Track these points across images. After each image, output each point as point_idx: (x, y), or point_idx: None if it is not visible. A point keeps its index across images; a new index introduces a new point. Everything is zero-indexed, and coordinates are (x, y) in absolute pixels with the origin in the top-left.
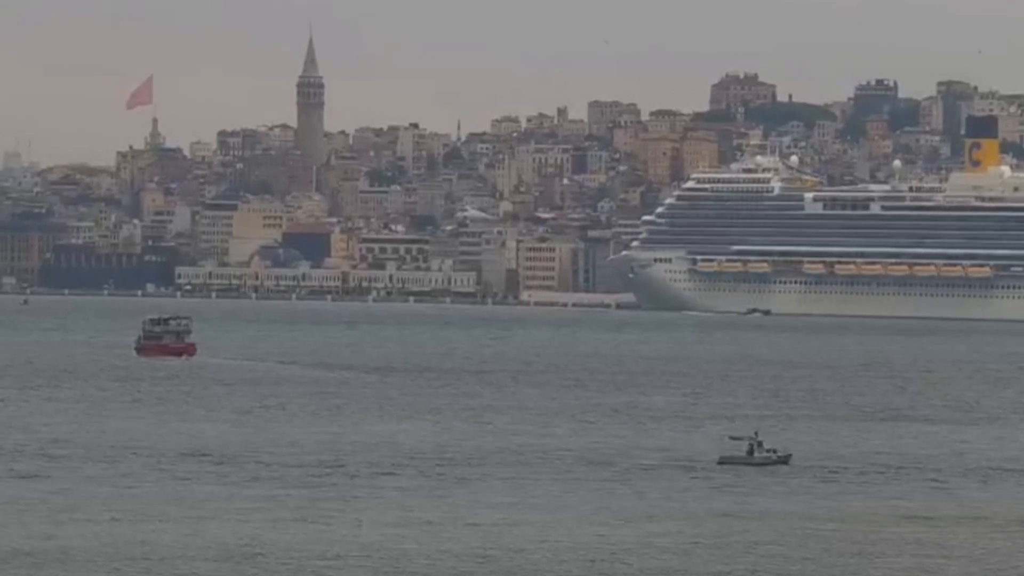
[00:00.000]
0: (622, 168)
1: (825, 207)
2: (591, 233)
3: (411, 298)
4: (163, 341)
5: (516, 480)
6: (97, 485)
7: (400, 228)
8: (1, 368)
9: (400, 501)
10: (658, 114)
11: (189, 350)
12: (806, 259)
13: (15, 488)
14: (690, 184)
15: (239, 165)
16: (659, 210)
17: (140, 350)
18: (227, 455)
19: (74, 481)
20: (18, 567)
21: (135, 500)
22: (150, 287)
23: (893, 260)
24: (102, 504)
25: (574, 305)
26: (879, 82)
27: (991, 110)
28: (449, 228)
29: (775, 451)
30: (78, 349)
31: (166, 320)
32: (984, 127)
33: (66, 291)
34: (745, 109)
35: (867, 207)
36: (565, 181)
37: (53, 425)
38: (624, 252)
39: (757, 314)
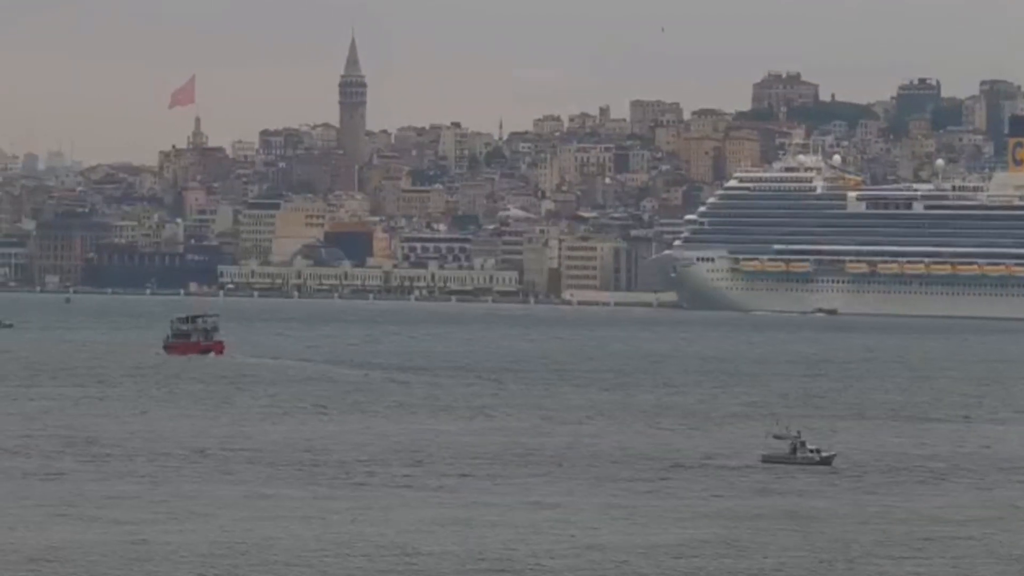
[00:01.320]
0: (664, 167)
1: (868, 206)
2: (633, 232)
3: (453, 297)
4: (192, 339)
5: (554, 479)
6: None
7: (442, 227)
8: (32, 366)
9: (433, 500)
10: (700, 113)
11: (217, 348)
12: (849, 258)
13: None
14: (732, 183)
15: (281, 164)
16: (701, 209)
17: (169, 348)
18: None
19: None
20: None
21: (172, 498)
22: (192, 286)
23: (936, 259)
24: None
25: (616, 304)
26: (922, 81)
27: None
28: (491, 227)
29: (818, 450)
30: (107, 348)
31: (194, 318)
32: None
33: (109, 290)
34: (788, 108)
35: (910, 206)
36: (607, 180)
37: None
38: (666, 251)
39: (822, 314)
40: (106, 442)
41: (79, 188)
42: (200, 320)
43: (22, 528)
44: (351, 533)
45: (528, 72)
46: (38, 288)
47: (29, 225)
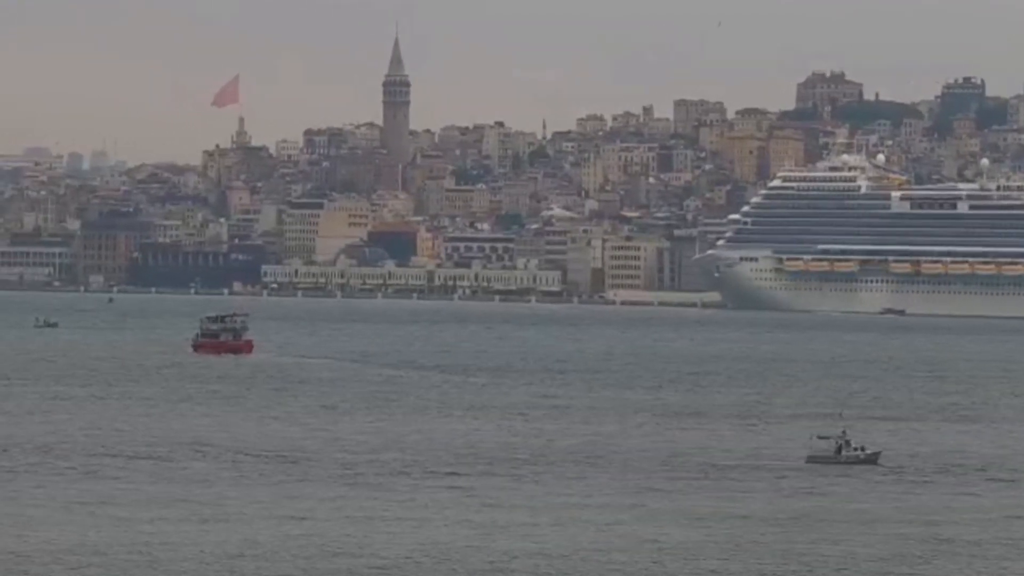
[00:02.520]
0: (708, 167)
1: (912, 206)
2: (677, 232)
3: (496, 297)
4: (220, 338)
5: (597, 478)
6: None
7: (485, 227)
8: (58, 365)
9: (471, 499)
10: (744, 113)
11: (246, 347)
12: (893, 258)
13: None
14: (776, 183)
15: (325, 164)
16: (745, 209)
17: (197, 347)
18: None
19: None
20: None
21: (225, 500)
22: (236, 285)
23: (980, 259)
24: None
25: (659, 304)
26: (966, 80)
27: None
28: (535, 227)
29: (863, 449)
30: (138, 347)
31: (223, 318)
32: None
33: (153, 290)
34: (832, 107)
35: (954, 206)
36: (651, 180)
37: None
38: (710, 251)
39: (892, 315)
40: (131, 442)
41: (123, 188)
42: (229, 320)
43: (50, 529)
44: (386, 533)
45: (572, 71)
46: (82, 288)
47: (74, 225)
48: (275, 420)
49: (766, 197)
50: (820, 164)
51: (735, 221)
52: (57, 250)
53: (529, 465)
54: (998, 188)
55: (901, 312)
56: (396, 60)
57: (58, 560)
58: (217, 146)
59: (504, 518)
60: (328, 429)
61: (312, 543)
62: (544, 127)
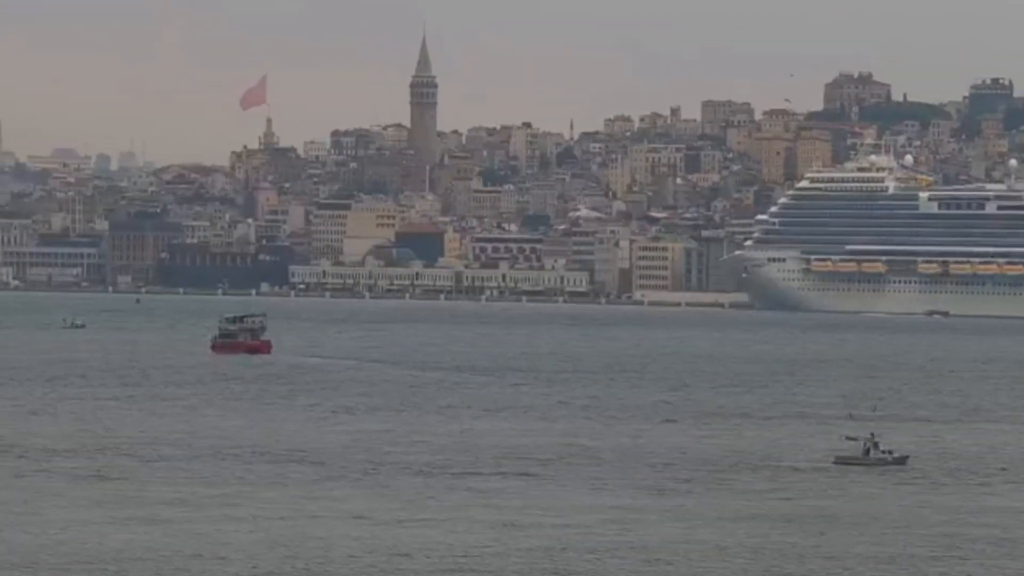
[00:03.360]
0: (735, 167)
1: (940, 207)
2: (704, 233)
3: (524, 297)
4: (238, 339)
5: (623, 478)
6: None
7: (513, 227)
8: (80, 365)
9: (489, 501)
10: (771, 113)
11: (264, 348)
12: (921, 259)
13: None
14: (804, 183)
15: (353, 164)
16: (772, 209)
17: (215, 347)
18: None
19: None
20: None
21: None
22: (264, 286)
23: (1008, 260)
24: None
25: (687, 305)
26: (994, 81)
27: None
28: (562, 227)
29: (891, 452)
30: (156, 347)
31: (241, 318)
32: None
33: (181, 290)
34: (859, 108)
35: (982, 207)
36: (678, 180)
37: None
38: (737, 252)
39: (937, 316)
40: (147, 442)
41: (151, 188)
42: (247, 320)
43: (76, 529)
44: (407, 536)
45: (599, 72)
46: (110, 288)
47: (102, 225)
48: (291, 420)
49: (793, 198)
50: (848, 165)
51: (763, 222)
52: (85, 251)
53: (555, 465)
54: None
55: (945, 314)
56: (423, 61)
57: (78, 563)
58: (245, 147)
59: (528, 519)
60: (343, 429)
61: (331, 544)
62: (571, 128)
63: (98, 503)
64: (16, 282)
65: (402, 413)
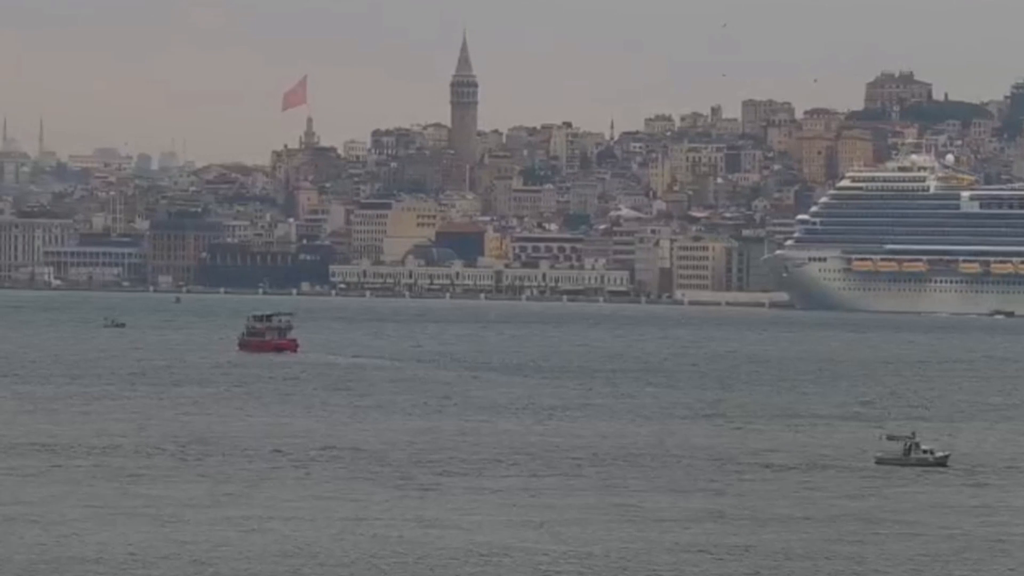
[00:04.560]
0: (776, 167)
1: (982, 206)
2: (745, 232)
3: (564, 297)
4: (265, 337)
5: (658, 479)
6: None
7: (553, 227)
8: (106, 363)
9: (515, 500)
10: (813, 113)
11: (290, 346)
12: (962, 258)
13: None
14: (845, 183)
15: (393, 164)
16: (813, 209)
17: (243, 346)
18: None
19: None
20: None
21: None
22: (304, 286)
23: None
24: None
25: (727, 304)
26: None
27: None
28: (602, 227)
29: (932, 451)
30: (185, 346)
31: (269, 316)
32: None
33: (221, 290)
34: (900, 108)
35: None
36: (719, 180)
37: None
38: (778, 251)
39: (1000, 316)
40: (171, 440)
41: (192, 188)
42: (275, 318)
43: (98, 529)
44: (433, 534)
45: (640, 71)
46: (151, 288)
47: (142, 225)
48: (319, 418)
49: (834, 197)
50: (889, 164)
51: (803, 221)
52: (126, 250)
53: (589, 465)
54: None
55: (1010, 314)
56: (464, 61)
57: (102, 564)
58: (285, 146)
59: (560, 518)
60: (372, 428)
61: (364, 544)
62: (612, 127)
63: (122, 502)
64: (57, 281)
65: (438, 412)
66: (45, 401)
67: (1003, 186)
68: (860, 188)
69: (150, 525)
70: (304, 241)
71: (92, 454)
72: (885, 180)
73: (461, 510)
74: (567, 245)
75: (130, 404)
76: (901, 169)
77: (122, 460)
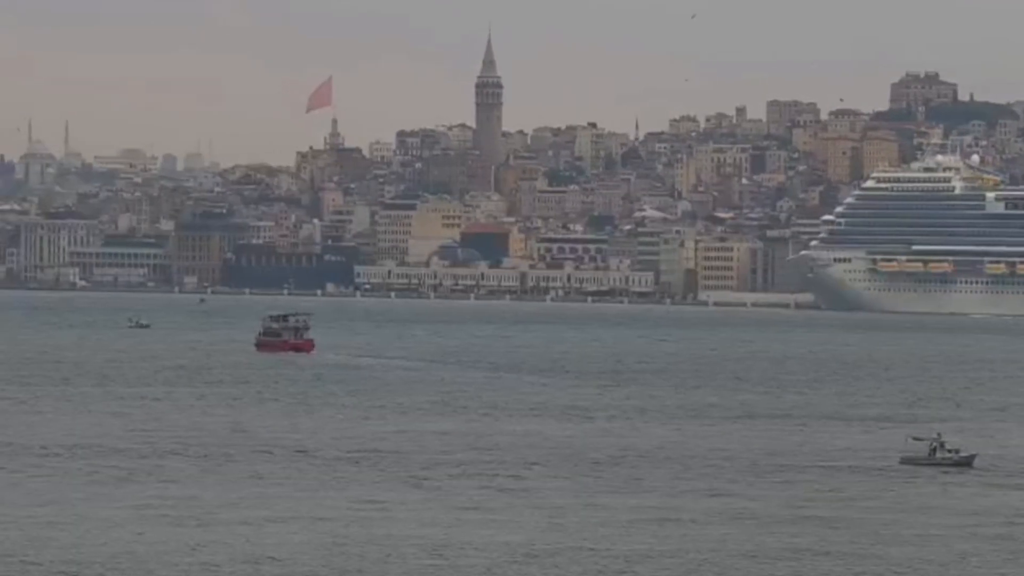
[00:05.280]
0: (801, 168)
1: (1007, 206)
2: (770, 233)
3: (589, 298)
4: (282, 337)
5: (682, 481)
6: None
7: (578, 228)
8: (127, 364)
9: (536, 501)
10: (838, 113)
11: (307, 346)
12: (987, 259)
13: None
14: (870, 183)
15: (418, 165)
16: (838, 209)
17: (259, 346)
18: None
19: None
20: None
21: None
22: (329, 286)
23: None
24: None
25: (752, 305)
26: None
27: None
28: (627, 228)
29: (957, 451)
30: (202, 346)
31: (285, 317)
32: None
33: (247, 291)
34: (926, 108)
35: None
36: (744, 181)
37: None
38: (803, 252)
39: None
40: (187, 441)
41: (217, 189)
42: (292, 319)
43: (125, 531)
44: (461, 535)
45: (664, 72)
46: (176, 288)
47: (167, 226)
48: (338, 419)
49: (859, 198)
50: (914, 165)
51: (829, 222)
52: (151, 251)
53: (613, 467)
54: None
55: None
56: (489, 61)
57: (120, 564)
58: (310, 147)
59: (584, 519)
60: (391, 430)
61: (385, 545)
62: (637, 128)
63: (145, 504)
64: (83, 282)
65: (458, 413)
66: (73, 403)
67: None
68: (885, 189)
69: (170, 526)
70: (329, 242)
71: (110, 455)
72: (910, 181)
73: (485, 510)
74: (592, 246)
75: (147, 405)
76: (926, 170)
77: (139, 461)
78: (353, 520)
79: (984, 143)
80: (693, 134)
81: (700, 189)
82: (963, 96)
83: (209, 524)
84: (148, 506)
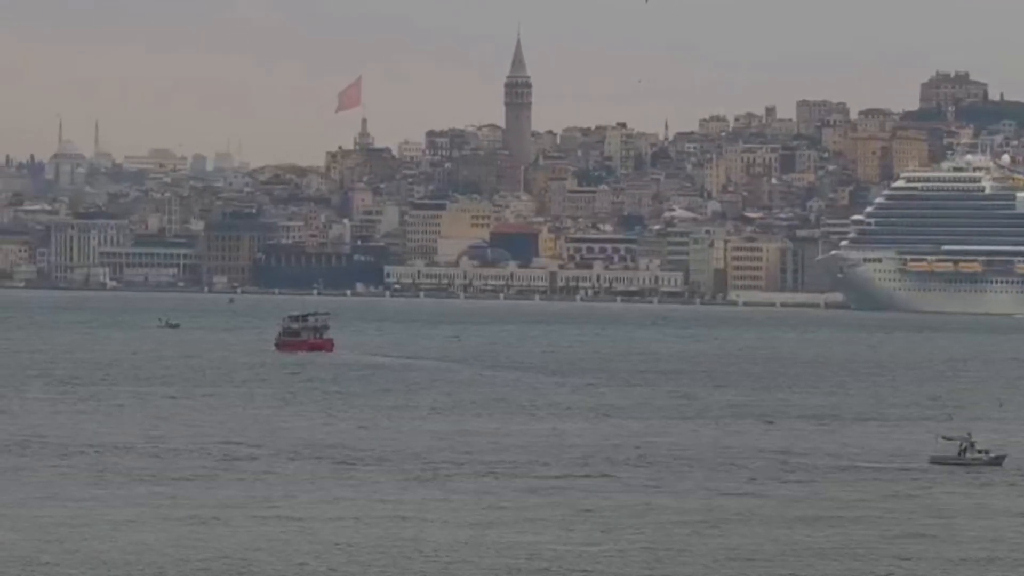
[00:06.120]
0: (831, 167)
1: None
2: (799, 233)
3: (618, 298)
4: (301, 337)
5: (707, 480)
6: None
7: (608, 228)
8: (150, 364)
9: (559, 500)
10: (867, 113)
11: (326, 346)
12: (1018, 259)
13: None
14: (900, 183)
15: (447, 165)
16: (868, 209)
17: (279, 346)
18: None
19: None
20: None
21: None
22: (359, 286)
23: None
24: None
25: (782, 305)
26: None
27: None
28: (657, 228)
29: (987, 452)
30: (223, 346)
31: (305, 317)
32: None
33: (276, 291)
34: (956, 108)
35: None
36: (773, 180)
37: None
38: (833, 252)
39: None
40: (209, 441)
41: (246, 189)
42: (311, 319)
43: (137, 532)
44: (486, 534)
45: (694, 71)
46: (206, 288)
47: (197, 226)
48: (354, 420)
49: (889, 198)
50: (944, 164)
51: (858, 222)
52: (181, 251)
53: (634, 467)
54: None
55: None
56: (518, 61)
57: (143, 563)
58: (340, 147)
59: (603, 520)
60: (409, 429)
61: (400, 545)
62: (666, 128)
63: (166, 504)
64: (113, 282)
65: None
66: (99, 403)
67: None
68: (915, 188)
69: (191, 526)
70: (358, 242)
71: (132, 455)
72: (940, 180)
73: (509, 510)
74: (621, 246)
75: (166, 405)
76: (956, 169)
77: (162, 462)
78: (384, 521)
79: (1014, 143)
80: (723, 134)
81: (730, 189)
82: (993, 96)
83: (229, 523)
84: (172, 506)
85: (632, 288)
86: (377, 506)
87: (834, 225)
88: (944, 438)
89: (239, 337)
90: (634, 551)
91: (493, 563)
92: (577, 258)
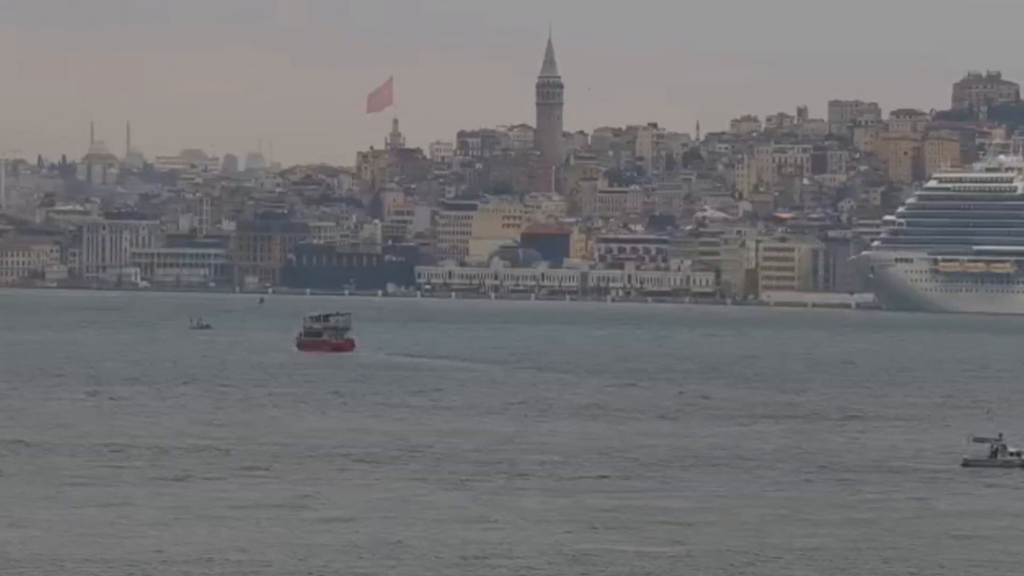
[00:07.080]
0: (863, 168)
1: None
2: (831, 233)
3: (649, 298)
4: (323, 337)
5: (740, 481)
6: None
7: (639, 228)
8: (173, 364)
9: (578, 500)
10: (899, 113)
11: (347, 346)
12: None
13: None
14: (931, 184)
15: (478, 165)
16: (900, 210)
17: (301, 346)
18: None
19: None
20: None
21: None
22: (390, 287)
23: None
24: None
25: (813, 305)
26: None
27: None
28: (688, 228)
29: (1020, 453)
30: (243, 346)
31: (327, 317)
32: None
33: (307, 291)
34: (988, 108)
35: None
36: (805, 181)
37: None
38: (864, 252)
39: None
40: (230, 442)
41: (278, 189)
42: (332, 319)
43: (167, 532)
44: (501, 535)
45: (725, 72)
46: (237, 288)
47: (229, 226)
48: (375, 418)
49: (921, 198)
50: (976, 165)
51: (890, 222)
52: (212, 251)
53: (663, 467)
54: None
55: None
56: (549, 62)
57: (171, 565)
58: (371, 148)
59: (634, 520)
60: (430, 428)
61: (422, 546)
62: (697, 128)
63: (186, 505)
64: (144, 283)
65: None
66: (123, 402)
67: None
68: (947, 189)
69: (217, 526)
70: (390, 242)
71: (154, 455)
72: (972, 181)
73: (531, 511)
74: (652, 246)
75: (189, 404)
76: (988, 170)
77: (185, 462)
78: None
79: None
80: (754, 134)
81: (761, 189)
82: None
83: (260, 522)
84: (191, 506)
85: (663, 288)
86: (399, 506)
87: (866, 225)
88: (976, 439)
89: (263, 338)
90: (702, 555)
91: (512, 565)
92: (608, 258)
